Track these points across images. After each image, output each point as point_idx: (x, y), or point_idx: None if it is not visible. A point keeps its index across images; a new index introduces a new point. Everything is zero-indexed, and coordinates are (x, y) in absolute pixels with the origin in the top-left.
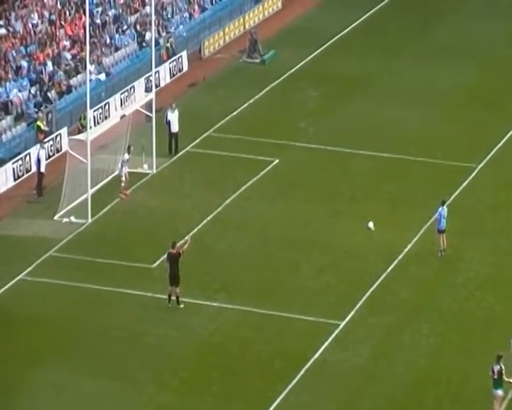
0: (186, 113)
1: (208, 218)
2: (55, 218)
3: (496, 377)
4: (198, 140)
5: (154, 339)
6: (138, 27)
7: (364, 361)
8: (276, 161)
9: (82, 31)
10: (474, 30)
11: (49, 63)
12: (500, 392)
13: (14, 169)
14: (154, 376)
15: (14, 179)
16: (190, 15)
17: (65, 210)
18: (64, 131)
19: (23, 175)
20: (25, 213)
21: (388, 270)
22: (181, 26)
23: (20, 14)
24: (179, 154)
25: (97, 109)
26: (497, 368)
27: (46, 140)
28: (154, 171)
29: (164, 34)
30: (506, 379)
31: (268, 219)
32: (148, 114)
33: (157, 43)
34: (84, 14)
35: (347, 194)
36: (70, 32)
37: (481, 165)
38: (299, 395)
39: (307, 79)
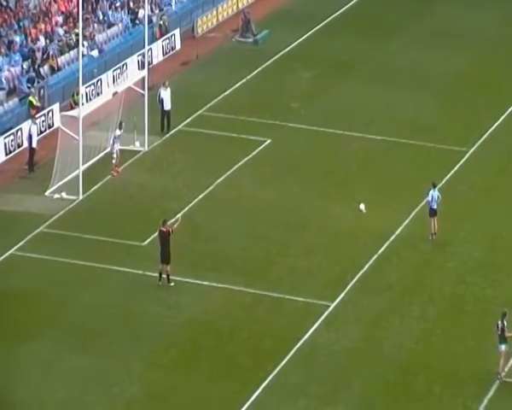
0: (178, 91)
1: (199, 197)
2: (47, 193)
3: (500, 333)
4: (190, 119)
5: (144, 317)
6: (131, 4)
7: (354, 343)
8: (268, 141)
9: (75, 7)
10: (466, 14)
11: (42, 38)
12: (503, 347)
13: (5, 144)
14: (144, 354)
15: (6, 154)
16: None
17: (56, 186)
18: (56, 106)
19: (15, 150)
20: (16, 189)
21: (379, 252)
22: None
23: None
24: (171, 132)
25: (89, 86)
26: (500, 325)
27: (38, 115)
28: (146, 148)
29: (157, 12)
30: (508, 334)
31: (259, 199)
32: (141, 91)
33: (150, 21)
34: None
35: (339, 176)
36: (63, 8)
37: (473, 149)
38: (289, 376)
39: (300, 59)
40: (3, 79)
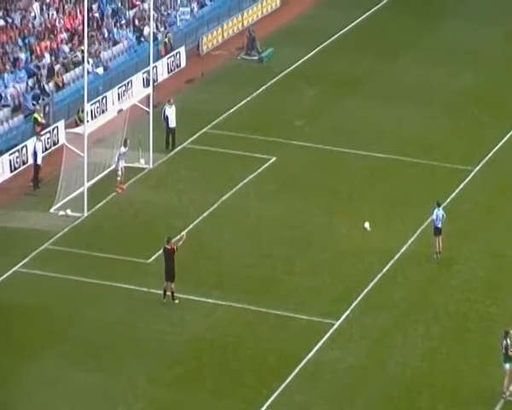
0: (183, 109)
1: (204, 214)
2: (51, 210)
3: (504, 351)
4: (195, 136)
5: (149, 334)
6: (137, 22)
7: (359, 361)
8: (273, 158)
9: (80, 24)
10: (472, 32)
11: (47, 56)
12: (508, 366)
13: (10, 161)
14: (148, 370)
15: (11, 171)
16: (191, 11)
17: (61, 203)
18: (61, 124)
19: (19, 167)
20: (21, 206)
21: (384, 270)
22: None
23: (18, 6)
24: (176, 149)
25: (95, 103)
26: (504, 343)
27: (43, 132)
28: (151, 166)
29: (162, 29)
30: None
31: (264, 216)
32: (146, 108)
33: (155, 39)
34: (83, 8)
35: (344, 193)
36: (68, 26)
37: (478, 167)
38: (294, 394)
39: (304, 77)
40: (9, 96)
